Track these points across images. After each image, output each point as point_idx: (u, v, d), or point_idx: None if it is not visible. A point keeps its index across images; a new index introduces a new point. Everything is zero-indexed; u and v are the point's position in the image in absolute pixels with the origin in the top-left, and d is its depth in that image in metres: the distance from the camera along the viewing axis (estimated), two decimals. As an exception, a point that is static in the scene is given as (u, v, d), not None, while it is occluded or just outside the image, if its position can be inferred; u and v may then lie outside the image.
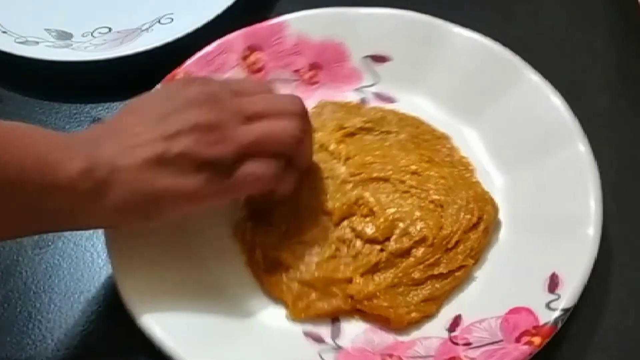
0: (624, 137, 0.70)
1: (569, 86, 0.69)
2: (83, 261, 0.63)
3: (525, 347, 0.56)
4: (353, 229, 0.62)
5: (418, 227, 0.61)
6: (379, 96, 0.71)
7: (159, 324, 0.57)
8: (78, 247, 0.64)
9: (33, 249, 0.65)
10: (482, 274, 0.62)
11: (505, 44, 0.70)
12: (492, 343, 0.57)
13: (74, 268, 0.64)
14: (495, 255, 0.62)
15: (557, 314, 0.57)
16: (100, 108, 0.74)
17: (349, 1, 0.74)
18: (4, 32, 0.77)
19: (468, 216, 0.62)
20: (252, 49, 0.72)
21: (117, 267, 0.60)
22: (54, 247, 0.65)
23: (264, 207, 0.63)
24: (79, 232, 0.64)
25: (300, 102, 0.59)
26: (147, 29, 0.77)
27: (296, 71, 0.72)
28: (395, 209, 0.62)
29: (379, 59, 0.72)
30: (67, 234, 0.65)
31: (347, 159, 0.65)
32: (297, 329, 0.60)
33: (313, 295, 0.60)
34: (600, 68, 0.75)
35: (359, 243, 0.61)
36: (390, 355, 0.58)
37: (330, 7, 0.74)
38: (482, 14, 0.78)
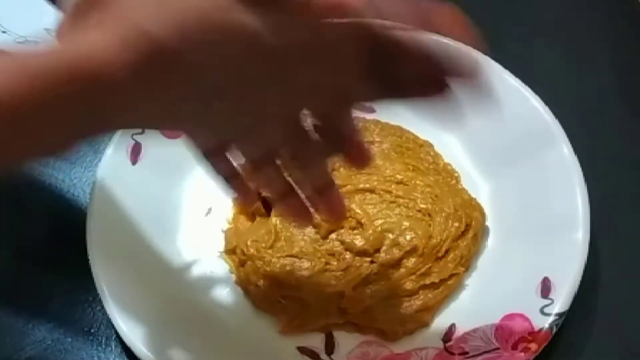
0: (616, 139, 0.71)
1: (565, 87, 0.69)
2: (83, 261, 0.62)
3: (522, 354, 0.56)
4: (342, 242, 0.61)
5: (407, 237, 0.61)
6: (358, 107, 0.71)
7: (147, 344, 0.57)
8: (78, 246, 0.63)
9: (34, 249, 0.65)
10: (474, 282, 0.62)
11: (504, 43, 0.70)
12: (489, 351, 0.56)
13: (74, 268, 0.62)
14: (485, 262, 0.62)
15: (551, 319, 0.57)
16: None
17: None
18: (4, 32, 0.76)
19: (456, 224, 0.62)
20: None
21: (104, 291, 0.59)
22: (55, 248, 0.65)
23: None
24: (78, 237, 0.63)
25: None
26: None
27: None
28: (383, 219, 0.62)
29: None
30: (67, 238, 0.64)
31: (332, 170, 0.64)
32: (291, 344, 0.60)
33: (305, 310, 0.60)
34: (599, 68, 0.75)
35: (348, 256, 0.61)
36: (387, 368, 0.58)
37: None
38: (482, 14, 0.78)
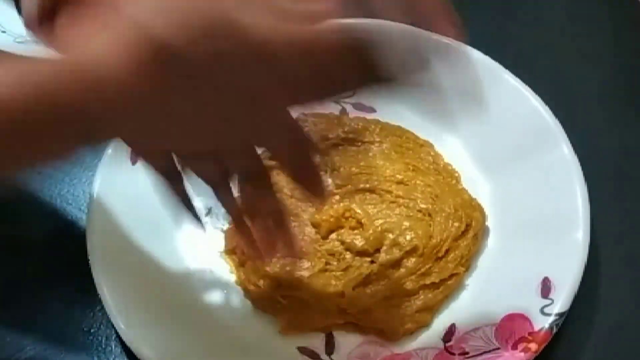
0: (616, 139, 0.70)
1: (565, 87, 0.69)
2: (83, 261, 0.62)
3: (522, 354, 0.56)
4: (342, 242, 0.61)
5: (408, 237, 0.61)
6: (359, 106, 0.71)
7: (147, 344, 0.57)
8: (78, 247, 0.63)
9: (34, 249, 0.64)
10: (474, 282, 0.62)
11: (504, 43, 0.70)
12: (489, 351, 0.56)
13: (74, 269, 0.62)
14: (485, 262, 0.62)
15: (552, 319, 0.57)
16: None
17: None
18: (4, 32, 0.77)
19: (457, 224, 0.62)
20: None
21: (104, 291, 0.59)
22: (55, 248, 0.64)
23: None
24: (78, 237, 0.63)
25: None
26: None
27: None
28: (384, 219, 0.62)
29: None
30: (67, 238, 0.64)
31: (333, 170, 0.64)
32: (291, 345, 0.59)
33: (305, 310, 0.60)
34: (599, 69, 0.75)
35: (348, 256, 0.61)
36: (387, 368, 0.58)
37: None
38: (482, 14, 0.78)
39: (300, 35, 0.44)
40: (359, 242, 0.61)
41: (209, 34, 0.42)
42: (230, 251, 0.63)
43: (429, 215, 0.62)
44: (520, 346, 0.56)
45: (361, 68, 0.48)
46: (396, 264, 0.60)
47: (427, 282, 0.60)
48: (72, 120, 0.43)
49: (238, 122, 0.46)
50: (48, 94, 0.42)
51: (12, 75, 0.43)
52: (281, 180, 0.62)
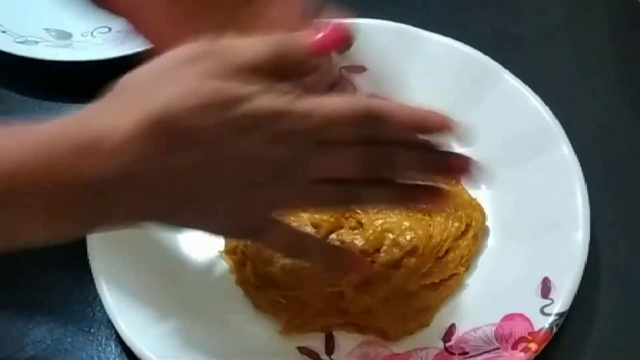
0: (616, 139, 0.71)
1: (565, 87, 0.69)
2: (83, 261, 0.62)
3: (522, 354, 0.56)
4: (342, 242, 0.61)
5: (408, 237, 0.61)
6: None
7: (147, 344, 0.57)
8: (78, 246, 0.63)
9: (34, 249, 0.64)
10: (474, 282, 0.62)
11: (504, 43, 0.70)
12: (489, 351, 0.56)
13: (74, 268, 0.62)
14: (485, 262, 0.62)
15: (551, 319, 0.57)
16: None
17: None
18: (4, 32, 0.77)
19: (457, 224, 0.62)
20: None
21: (104, 291, 0.59)
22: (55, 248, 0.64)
23: None
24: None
25: None
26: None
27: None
28: (383, 219, 0.62)
29: (355, 69, 0.72)
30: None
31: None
32: (291, 344, 0.59)
33: (306, 310, 0.60)
34: (599, 69, 0.75)
35: (349, 255, 0.61)
36: (387, 368, 0.58)
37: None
38: (482, 14, 0.78)
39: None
40: (359, 242, 0.61)
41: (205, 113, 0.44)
42: (230, 251, 0.63)
43: (429, 215, 0.62)
44: (520, 346, 0.56)
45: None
46: (396, 264, 0.60)
47: (427, 282, 0.60)
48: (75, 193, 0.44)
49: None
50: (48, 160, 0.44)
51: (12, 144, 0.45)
52: None
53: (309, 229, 0.62)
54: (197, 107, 0.44)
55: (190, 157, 0.45)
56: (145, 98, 0.44)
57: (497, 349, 0.56)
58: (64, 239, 0.48)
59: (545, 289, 0.58)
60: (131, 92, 0.46)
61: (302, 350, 0.59)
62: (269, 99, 0.45)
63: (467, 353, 0.57)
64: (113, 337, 0.60)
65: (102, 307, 0.59)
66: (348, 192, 0.49)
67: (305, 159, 0.47)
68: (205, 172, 0.45)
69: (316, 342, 0.59)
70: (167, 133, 0.44)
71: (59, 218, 0.46)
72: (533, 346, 0.56)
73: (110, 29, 0.78)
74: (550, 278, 0.58)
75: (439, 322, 0.60)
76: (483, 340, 0.57)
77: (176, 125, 0.44)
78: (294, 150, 0.46)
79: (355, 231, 0.62)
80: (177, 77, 0.45)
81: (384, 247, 0.61)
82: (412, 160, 0.50)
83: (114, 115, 0.45)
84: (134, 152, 0.44)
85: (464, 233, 0.62)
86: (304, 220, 0.61)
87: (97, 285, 0.59)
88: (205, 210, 0.48)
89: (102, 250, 0.61)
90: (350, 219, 0.62)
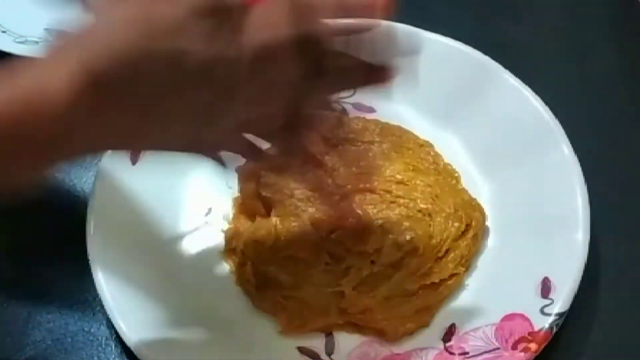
0: (616, 139, 0.71)
1: (565, 87, 0.69)
2: (83, 261, 0.62)
3: (522, 354, 0.56)
4: (342, 242, 0.61)
5: (408, 238, 0.61)
6: (358, 107, 0.71)
7: (147, 344, 0.57)
8: (78, 246, 0.63)
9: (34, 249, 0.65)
10: (474, 282, 0.62)
11: (504, 43, 0.70)
12: (489, 351, 0.56)
13: (74, 268, 0.62)
14: (485, 262, 0.62)
15: (551, 319, 0.57)
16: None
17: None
18: (4, 32, 0.77)
19: (457, 224, 0.62)
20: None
21: (104, 291, 0.59)
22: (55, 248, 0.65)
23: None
24: (78, 237, 0.63)
25: None
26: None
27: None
28: (384, 219, 0.62)
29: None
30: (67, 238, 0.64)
31: (333, 170, 0.64)
32: (291, 344, 0.59)
33: (306, 310, 0.60)
34: (599, 69, 0.75)
35: (349, 256, 0.60)
36: (387, 368, 0.58)
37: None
38: (482, 14, 0.78)
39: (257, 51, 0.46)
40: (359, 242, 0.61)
41: (134, 61, 0.45)
42: (230, 251, 0.63)
43: (429, 215, 0.62)
44: (520, 346, 0.56)
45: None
46: (396, 264, 0.60)
47: (427, 282, 0.60)
48: (29, 141, 0.45)
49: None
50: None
51: None
52: (281, 181, 0.62)
53: (309, 229, 0.62)
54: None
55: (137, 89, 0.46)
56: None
57: (497, 349, 0.56)
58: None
59: (545, 289, 0.58)
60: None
61: (302, 350, 0.59)
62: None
63: (467, 353, 0.57)
64: (113, 337, 0.60)
65: (102, 307, 0.59)
66: (298, 90, 0.49)
67: (250, 70, 0.47)
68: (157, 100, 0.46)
69: (316, 342, 0.59)
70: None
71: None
72: (533, 346, 0.56)
73: (109, 29, 0.77)
74: (550, 278, 0.58)
75: (439, 322, 0.60)
76: (483, 340, 0.57)
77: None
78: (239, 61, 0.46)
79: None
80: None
81: (384, 247, 0.60)
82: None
83: (51, 65, 0.46)
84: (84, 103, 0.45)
85: (464, 233, 0.62)
86: (304, 220, 0.61)
87: (97, 286, 0.59)
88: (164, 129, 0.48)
89: (102, 250, 0.61)
90: (350, 219, 0.62)
